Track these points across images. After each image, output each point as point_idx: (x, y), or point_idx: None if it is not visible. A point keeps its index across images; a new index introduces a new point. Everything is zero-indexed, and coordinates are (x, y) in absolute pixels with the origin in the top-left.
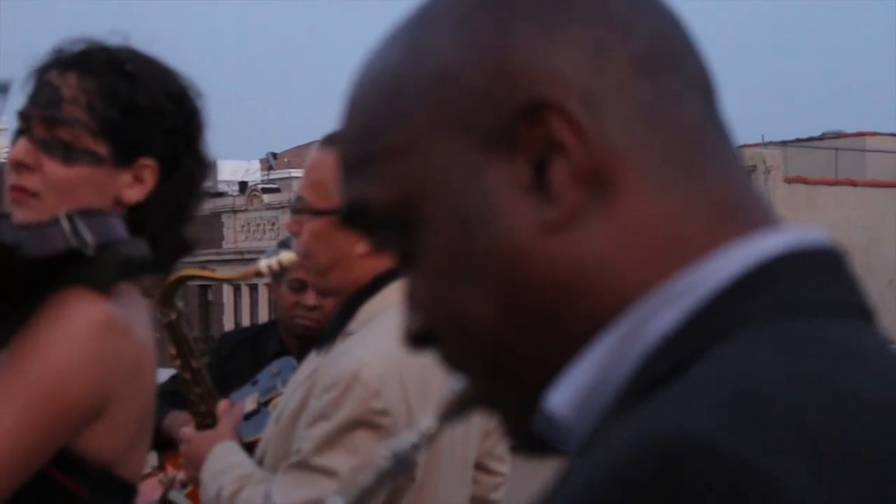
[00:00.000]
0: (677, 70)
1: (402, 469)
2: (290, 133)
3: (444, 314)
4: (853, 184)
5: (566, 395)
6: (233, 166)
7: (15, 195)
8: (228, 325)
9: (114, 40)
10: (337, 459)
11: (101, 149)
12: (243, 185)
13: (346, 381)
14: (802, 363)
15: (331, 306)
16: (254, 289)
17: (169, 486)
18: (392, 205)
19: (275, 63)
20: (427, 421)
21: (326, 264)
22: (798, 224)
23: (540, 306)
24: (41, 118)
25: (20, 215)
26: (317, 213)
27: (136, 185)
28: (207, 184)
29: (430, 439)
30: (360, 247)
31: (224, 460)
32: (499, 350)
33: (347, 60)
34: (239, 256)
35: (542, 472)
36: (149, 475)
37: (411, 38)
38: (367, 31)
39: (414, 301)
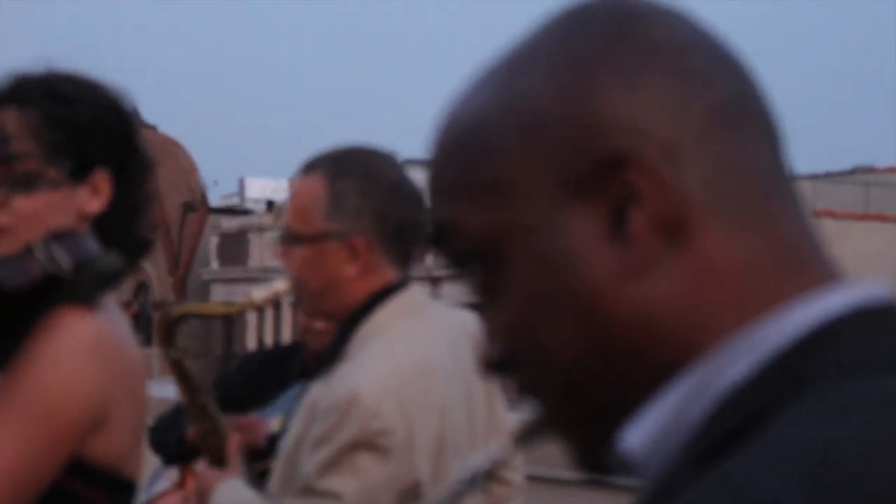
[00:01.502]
0: (750, 121)
1: (471, 491)
2: (319, 152)
3: (526, 347)
4: (883, 219)
5: (641, 434)
6: (261, 184)
7: None
8: (251, 344)
9: (38, 68)
10: (340, 482)
11: (56, 173)
12: (270, 204)
13: (344, 405)
14: (879, 428)
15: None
16: (277, 307)
17: None
18: (480, 236)
19: (306, 82)
20: (498, 447)
21: (318, 290)
22: (861, 280)
23: (617, 346)
24: None
25: None
26: (303, 239)
27: (94, 197)
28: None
29: (500, 464)
30: (350, 270)
31: (231, 497)
32: (576, 384)
33: (375, 82)
34: (264, 275)
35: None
36: (169, 490)
37: (504, 82)
38: (398, 54)
39: (493, 330)
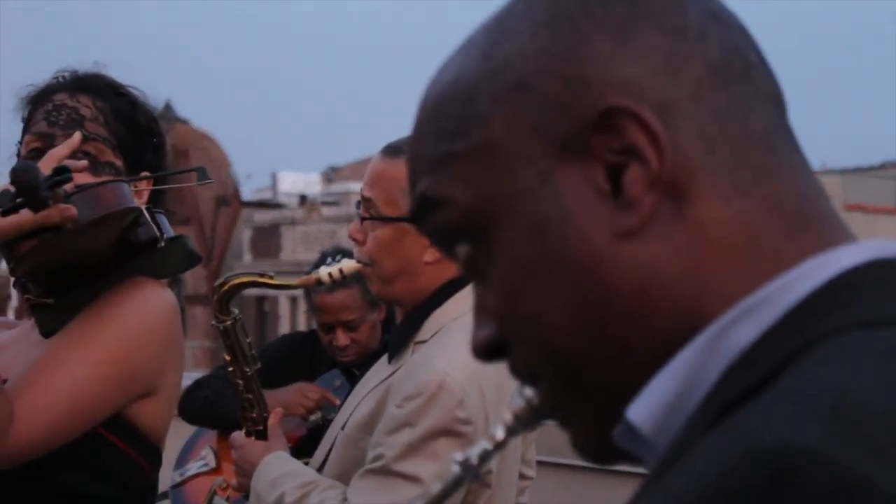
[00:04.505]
0: (748, 79)
1: (471, 477)
2: (350, 146)
3: (520, 323)
4: None
5: (648, 407)
6: (293, 178)
7: None
8: None
9: (86, 68)
10: (420, 466)
11: (119, 162)
12: (303, 198)
13: (431, 390)
14: (894, 373)
15: (364, 338)
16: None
17: (213, 492)
18: (468, 205)
19: (337, 76)
20: (498, 431)
21: (392, 273)
22: (881, 241)
23: (617, 312)
24: (66, 136)
25: None
26: (385, 220)
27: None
28: (268, 195)
29: (499, 448)
30: (428, 255)
31: (280, 468)
32: (576, 358)
33: (407, 75)
34: (297, 268)
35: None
36: (205, 473)
37: (488, 44)
38: (426, 45)
39: (485, 311)
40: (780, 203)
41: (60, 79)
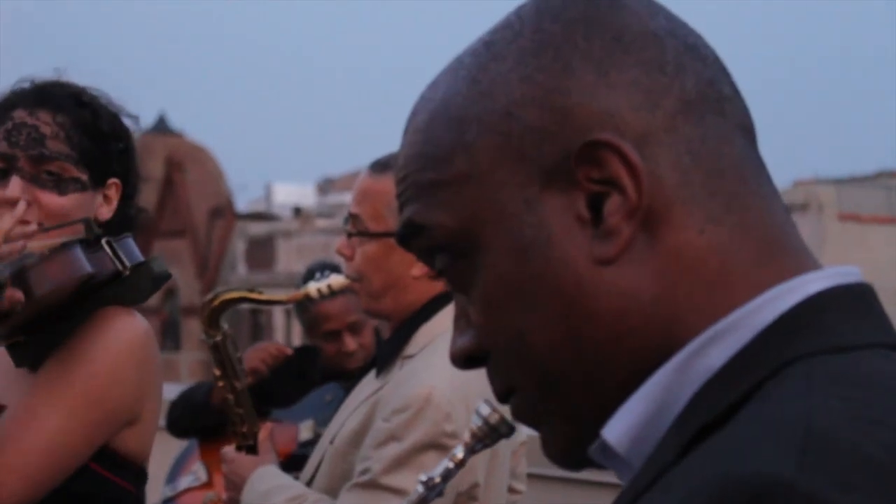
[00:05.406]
0: (721, 111)
1: (434, 496)
2: (346, 157)
3: (500, 337)
4: None
5: (623, 427)
6: (287, 190)
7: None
8: None
9: (46, 77)
10: (407, 480)
11: (84, 175)
12: (297, 210)
13: (418, 404)
14: (859, 400)
15: (368, 342)
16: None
17: None
18: (454, 230)
19: (330, 87)
20: (458, 450)
21: (380, 288)
22: (835, 264)
23: (594, 334)
24: (28, 157)
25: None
26: (373, 235)
27: (105, 204)
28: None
29: (460, 467)
30: (416, 270)
31: (270, 482)
32: (554, 374)
33: (399, 87)
34: (291, 280)
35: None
36: (197, 488)
37: (476, 67)
38: (421, 59)
39: (465, 320)
40: (750, 231)
41: (19, 91)
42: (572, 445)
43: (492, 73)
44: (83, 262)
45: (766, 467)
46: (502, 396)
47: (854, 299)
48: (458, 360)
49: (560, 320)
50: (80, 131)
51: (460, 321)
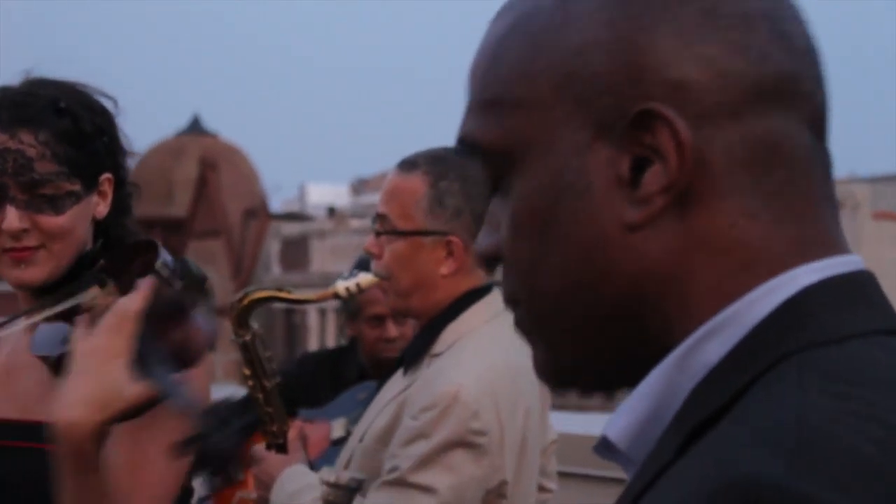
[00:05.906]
0: (795, 106)
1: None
2: (379, 157)
3: (516, 258)
4: None
5: (624, 424)
6: (321, 190)
7: (21, 255)
8: (313, 348)
9: (16, 80)
10: (435, 477)
11: (76, 186)
12: (331, 210)
13: (446, 402)
14: (850, 396)
15: (409, 332)
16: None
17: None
18: (500, 149)
19: (364, 88)
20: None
21: (408, 287)
22: (845, 256)
23: (602, 291)
24: (18, 185)
25: (31, 272)
26: (401, 234)
27: (102, 201)
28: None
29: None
30: (444, 268)
31: (300, 481)
32: (555, 308)
33: (434, 88)
34: (326, 280)
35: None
36: (232, 486)
37: (556, 6)
38: (453, 57)
39: (495, 226)
40: (784, 228)
41: None
42: (553, 373)
43: (577, 10)
44: (205, 329)
45: (756, 469)
46: (508, 301)
47: (848, 288)
48: (482, 257)
49: (573, 269)
50: (66, 143)
51: (491, 223)
